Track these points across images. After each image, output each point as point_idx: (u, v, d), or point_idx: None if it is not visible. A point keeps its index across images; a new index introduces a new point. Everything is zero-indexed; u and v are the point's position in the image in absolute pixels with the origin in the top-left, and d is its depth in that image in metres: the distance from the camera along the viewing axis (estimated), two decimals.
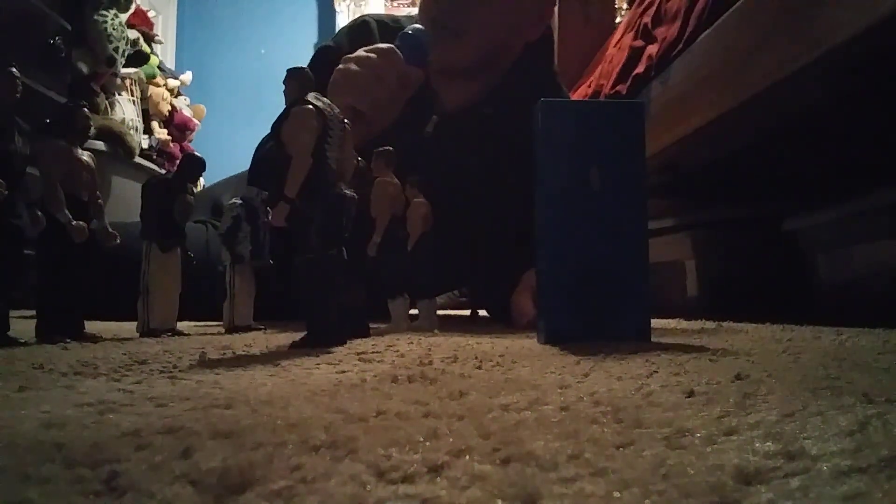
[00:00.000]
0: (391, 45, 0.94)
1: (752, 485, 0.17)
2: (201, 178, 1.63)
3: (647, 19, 1.16)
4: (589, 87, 1.51)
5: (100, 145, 2.01)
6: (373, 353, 0.51)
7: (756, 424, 0.23)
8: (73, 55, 2.01)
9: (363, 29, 1.16)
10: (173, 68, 3.12)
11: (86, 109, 0.65)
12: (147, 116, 2.45)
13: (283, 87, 0.58)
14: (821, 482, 0.17)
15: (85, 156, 0.65)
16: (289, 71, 0.58)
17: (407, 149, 0.81)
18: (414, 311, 0.86)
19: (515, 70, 1.10)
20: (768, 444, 0.20)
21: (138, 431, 0.22)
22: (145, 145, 2.38)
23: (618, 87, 1.26)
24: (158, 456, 0.19)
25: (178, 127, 2.66)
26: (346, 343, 0.59)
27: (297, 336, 0.57)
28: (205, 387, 0.34)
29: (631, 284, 0.60)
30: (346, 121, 0.60)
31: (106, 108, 2.15)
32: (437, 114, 1.09)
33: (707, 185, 1.28)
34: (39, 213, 0.60)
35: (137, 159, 2.24)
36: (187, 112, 2.74)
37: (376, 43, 1.00)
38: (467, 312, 1.50)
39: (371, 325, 0.74)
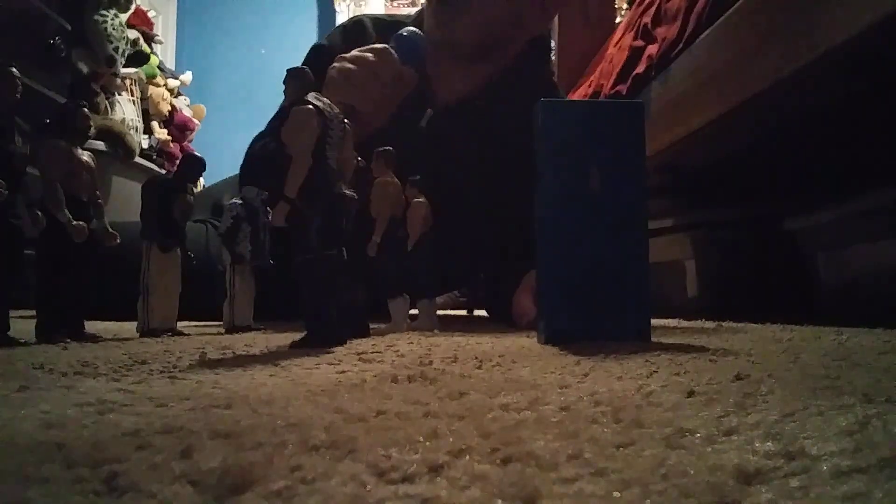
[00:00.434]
0: (386, 45, 0.94)
1: (752, 485, 0.17)
2: (201, 178, 1.63)
3: (647, 19, 1.16)
4: (589, 87, 1.51)
5: (100, 145, 2.01)
6: (373, 353, 0.51)
7: (756, 424, 0.23)
8: (73, 55, 2.01)
9: (358, 28, 1.16)
10: (173, 68, 3.12)
11: (86, 109, 0.65)
12: (147, 116, 2.45)
13: (282, 87, 0.58)
14: (821, 482, 0.17)
15: (85, 156, 0.65)
16: (289, 71, 0.58)
17: (402, 145, 0.81)
18: (414, 311, 0.86)
19: (512, 68, 1.10)
20: (768, 444, 0.20)
21: (138, 431, 0.22)
22: (145, 145, 2.38)
23: (618, 87, 1.26)
24: (158, 456, 0.19)
25: (178, 127, 2.66)
26: (346, 343, 0.59)
27: (297, 336, 0.57)
28: (205, 387, 0.34)
29: (631, 284, 0.60)
30: (346, 121, 0.60)
31: (106, 108, 2.15)
32: (431, 108, 1.09)
33: (707, 185, 1.28)
34: (39, 213, 0.60)
35: (137, 159, 2.24)
36: (187, 112, 2.74)
37: (371, 41, 1.00)
38: (463, 312, 1.50)
39: (371, 325, 0.74)
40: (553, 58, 1.80)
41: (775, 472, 0.18)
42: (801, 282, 1.09)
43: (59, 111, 0.64)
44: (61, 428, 0.23)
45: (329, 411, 0.26)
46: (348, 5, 3.79)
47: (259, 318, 0.85)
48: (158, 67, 2.51)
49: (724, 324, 0.87)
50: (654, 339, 0.60)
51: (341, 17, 3.75)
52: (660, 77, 1.07)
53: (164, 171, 2.32)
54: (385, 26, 1.13)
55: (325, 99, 0.58)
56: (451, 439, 0.21)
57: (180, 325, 0.77)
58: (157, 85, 2.51)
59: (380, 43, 0.96)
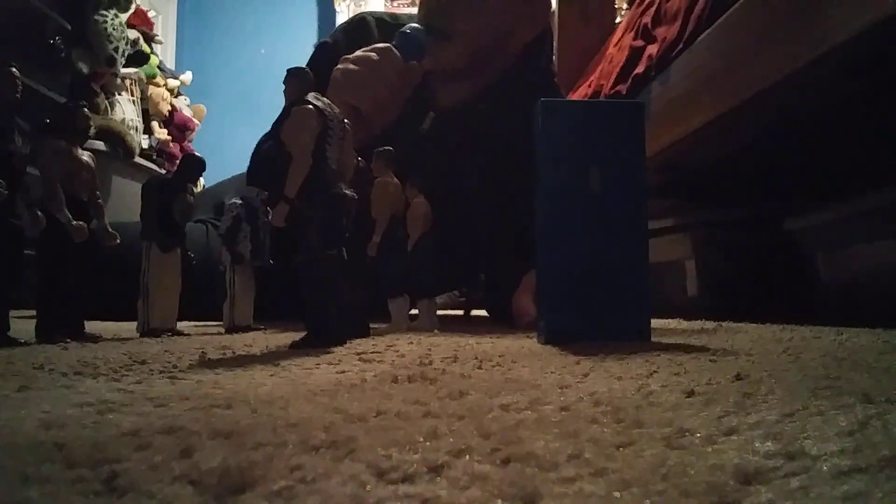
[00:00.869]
0: (389, 45, 0.94)
1: (752, 485, 0.17)
2: (201, 178, 1.63)
3: (647, 19, 1.16)
4: (589, 87, 1.51)
5: (100, 145, 2.01)
6: (373, 353, 0.51)
7: (756, 424, 0.23)
8: (73, 55, 2.01)
9: (361, 26, 1.16)
10: (173, 68, 3.11)
11: (86, 109, 0.65)
12: (147, 116, 2.45)
13: (283, 86, 0.58)
14: (821, 482, 0.17)
15: (85, 156, 0.65)
16: (289, 71, 0.58)
17: (404, 146, 0.81)
18: (414, 311, 0.86)
19: (512, 68, 1.10)
20: (768, 444, 0.20)
21: (138, 431, 0.22)
22: (145, 145, 2.38)
23: (618, 87, 1.26)
24: (158, 456, 0.19)
25: (178, 127, 2.66)
26: (346, 343, 0.59)
27: (297, 336, 0.57)
28: (205, 387, 0.34)
29: (631, 284, 0.60)
30: (346, 121, 0.60)
31: (106, 108, 2.15)
32: (433, 111, 1.09)
33: (707, 185, 1.28)
34: (39, 213, 0.60)
35: (137, 159, 2.24)
36: (187, 112, 2.74)
37: (374, 40, 1.00)
38: (460, 312, 1.50)
39: (371, 325, 0.74)
40: (553, 57, 1.80)
41: (775, 472, 0.18)
42: (801, 282, 1.09)
43: (59, 111, 0.64)
44: (61, 428, 0.23)
45: (329, 411, 0.26)
46: (348, 5, 3.79)
47: (259, 318, 0.85)
48: (158, 67, 2.51)
49: (724, 324, 0.87)
50: (654, 339, 0.60)
51: (341, 17, 3.75)
52: (660, 77, 1.07)
53: (164, 171, 2.32)
54: (388, 25, 1.13)
55: (325, 99, 0.58)
56: (451, 439, 0.21)
57: (180, 325, 0.77)
58: (157, 85, 2.51)
59: (383, 41, 0.96)
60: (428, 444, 0.21)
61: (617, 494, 0.16)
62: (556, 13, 1.94)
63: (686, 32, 0.97)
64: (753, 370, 0.37)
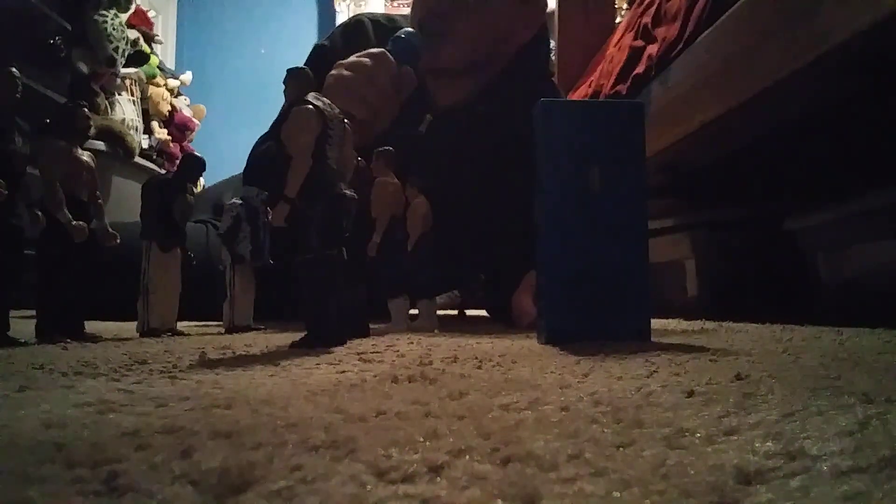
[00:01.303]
0: (383, 50, 0.94)
1: (752, 485, 0.17)
2: (201, 178, 1.63)
3: (647, 19, 1.16)
4: (589, 87, 1.51)
5: (100, 145, 2.01)
6: (373, 353, 0.51)
7: (756, 424, 0.23)
8: (73, 55, 2.01)
9: (358, 28, 1.16)
10: (173, 68, 3.12)
11: (86, 109, 0.65)
12: (147, 116, 2.45)
13: (283, 87, 0.58)
14: (821, 482, 0.17)
15: (85, 156, 0.65)
16: (289, 71, 0.58)
17: (402, 147, 0.81)
18: (414, 311, 0.86)
19: (510, 68, 1.10)
20: (768, 444, 0.20)
21: (138, 431, 0.22)
22: (145, 145, 2.38)
23: (618, 87, 1.26)
24: (158, 456, 0.19)
25: (178, 127, 2.66)
26: (346, 343, 0.59)
27: (297, 336, 0.57)
28: (205, 387, 0.34)
29: (631, 284, 0.60)
30: (346, 121, 0.60)
31: (106, 108, 2.15)
32: (430, 112, 1.09)
33: (707, 185, 1.28)
34: (39, 213, 0.60)
35: (137, 159, 2.24)
36: (187, 112, 2.74)
37: (371, 42, 1.00)
38: (454, 312, 1.50)
39: (371, 325, 0.74)
40: (553, 58, 1.80)
41: (775, 472, 0.18)
42: (801, 282, 1.09)
43: (59, 111, 0.64)
44: (61, 428, 0.23)
45: (329, 411, 0.26)
46: (348, 5, 3.79)
47: (259, 318, 0.85)
48: (158, 67, 2.51)
49: (724, 324, 0.87)
50: (654, 339, 0.60)
51: (341, 17, 3.75)
52: (660, 77, 1.07)
53: (164, 171, 2.32)
54: (384, 29, 1.13)
55: (325, 99, 0.58)
56: (451, 439, 0.21)
57: (180, 325, 0.77)
58: (157, 85, 2.51)
59: (379, 44, 0.96)
60: (428, 444, 0.21)
61: (617, 494, 0.16)
62: (557, 13, 1.94)
63: (686, 32, 0.97)
64: (753, 370, 0.37)
